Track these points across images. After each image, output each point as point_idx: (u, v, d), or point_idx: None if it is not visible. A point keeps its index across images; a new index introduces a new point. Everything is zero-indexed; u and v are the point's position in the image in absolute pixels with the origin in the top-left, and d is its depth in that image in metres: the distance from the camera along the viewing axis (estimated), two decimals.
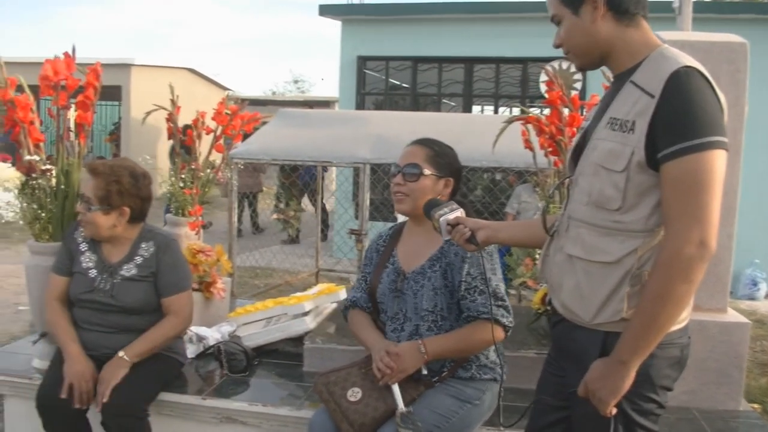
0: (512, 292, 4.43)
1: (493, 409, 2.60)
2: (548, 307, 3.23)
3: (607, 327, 1.86)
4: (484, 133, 4.06)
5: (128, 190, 2.90)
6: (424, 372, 2.44)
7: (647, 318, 1.74)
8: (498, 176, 9.00)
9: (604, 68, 2.05)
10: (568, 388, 1.99)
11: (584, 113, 3.22)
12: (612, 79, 2.00)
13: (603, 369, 1.82)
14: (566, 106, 3.21)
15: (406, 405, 2.38)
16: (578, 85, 9.15)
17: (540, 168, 3.71)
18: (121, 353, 2.78)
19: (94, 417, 2.78)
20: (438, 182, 2.59)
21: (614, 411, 1.82)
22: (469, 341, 2.47)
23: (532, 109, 3.91)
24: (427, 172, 2.56)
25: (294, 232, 10.06)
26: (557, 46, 2.00)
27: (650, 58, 1.85)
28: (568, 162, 2.11)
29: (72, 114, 3.38)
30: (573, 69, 9.34)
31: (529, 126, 3.53)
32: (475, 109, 13.66)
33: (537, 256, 3.53)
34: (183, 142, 4.28)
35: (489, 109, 14.50)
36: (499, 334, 2.47)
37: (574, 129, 3.20)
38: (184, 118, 4.32)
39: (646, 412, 1.87)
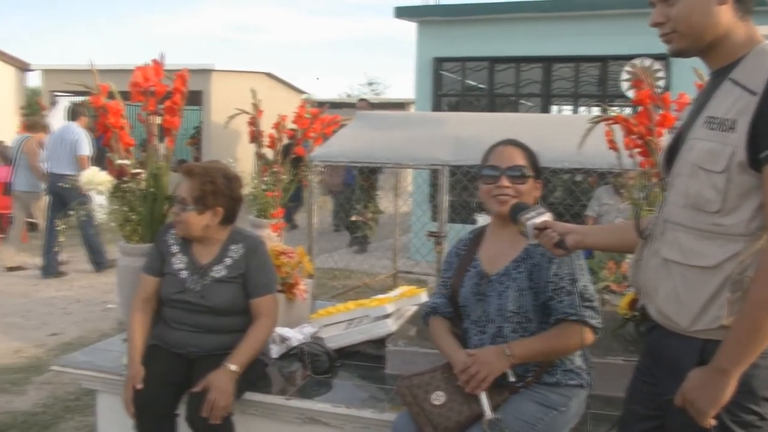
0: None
1: (579, 417, 2.54)
2: (636, 313, 3.16)
3: (706, 334, 1.79)
4: (564, 134, 3.99)
5: (222, 191, 2.97)
6: (512, 379, 2.40)
7: (750, 325, 1.68)
8: (579, 177, 8.83)
9: (695, 66, 1.97)
10: (661, 396, 1.93)
11: (675, 113, 3.12)
12: (707, 77, 1.93)
13: (702, 378, 1.75)
14: (656, 105, 3.12)
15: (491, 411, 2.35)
16: (661, 83, 8.90)
17: (625, 169, 3.62)
18: (233, 367, 2.80)
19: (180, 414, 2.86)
20: (534, 185, 2.58)
21: (713, 422, 1.76)
22: (556, 343, 2.42)
23: (612, 109, 3.82)
24: (528, 173, 2.55)
25: (372, 234, 10.06)
26: (656, 25, 1.89)
27: (751, 54, 1.78)
28: (661, 164, 2.04)
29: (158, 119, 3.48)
30: (656, 66, 9.11)
31: (614, 126, 3.45)
32: (554, 109, 13.44)
33: (623, 260, 3.44)
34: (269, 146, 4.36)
35: (568, 109, 14.26)
36: (588, 336, 2.41)
37: (662, 130, 3.10)
38: (264, 122, 4.39)
39: (746, 424, 1.79)
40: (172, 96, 3.35)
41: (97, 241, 8.42)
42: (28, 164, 8.53)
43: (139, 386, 2.82)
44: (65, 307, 7.06)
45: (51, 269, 8.31)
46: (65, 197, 7.66)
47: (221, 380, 2.75)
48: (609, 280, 3.85)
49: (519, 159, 2.55)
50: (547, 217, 2.22)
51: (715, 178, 1.75)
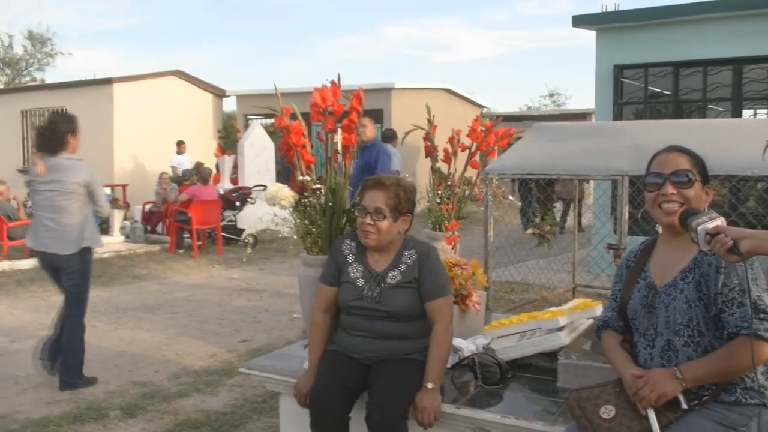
0: None
1: None
2: None
3: None
4: (756, 139, 3.77)
5: (410, 199, 3.16)
6: (684, 406, 2.29)
7: None
8: None
9: None
10: None
11: None
12: None
13: None
14: None
15: (661, 428, 2.26)
16: None
17: None
18: (430, 385, 2.94)
19: (357, 413, 2.99)
20: (702, 190, 2.46)
21: None
22: (730, 363, 2.27)
23: None
24: (696, 178, 2.43)
25: (550, 247, 9.91)
26: None
27: None
28: None
29: (338, 137, 3.66)
30: None
31: None
32: (747, 113, 12.58)
33: None
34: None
35: (762, 113, 13.29)
36: (766, 351, 2.25)
37: None
38: (442, 137, 4.48)
39: None
40: (349, 114, 3.52)
41: None
42: None
43: (303, 397, 3.07)
44: (255, 316, 7.53)
45: None
46: None
47: (426, 400, 2.91)
48: None
49: (683, 164, 2.44)
50: (719, 221, 2.11)
51: None
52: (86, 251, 5.29)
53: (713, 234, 2.08)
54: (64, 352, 5.23)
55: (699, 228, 2.11)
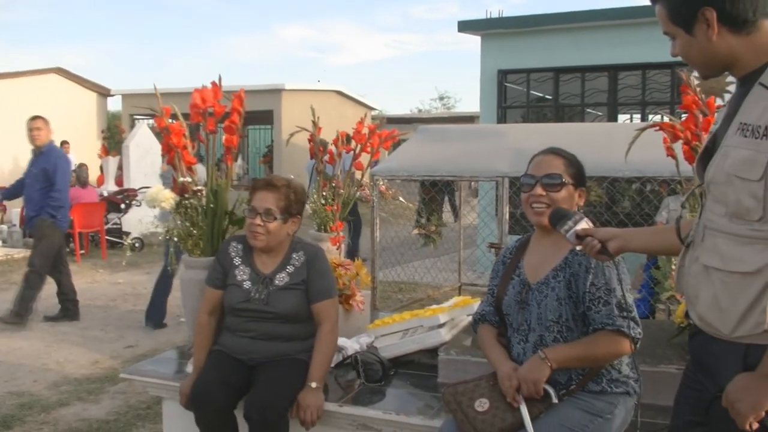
0: (661, 306, 4.28)
1: (626, 425, 2.53)
2: (690, 321, 3.12)
3: (749, 339, 1.77)
4: (625, 143, 3.98)
5: (300, 201, 3.17)
6: (555, 401, 2.41)
7: None
8: (648, 186, 8.68)
9: None
10: (706, 402, 1.92)
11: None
12: (737, 82, 1.92)
13: (746, 382, 1.74)
14: (702, 111, 3.09)
15: (533, 418, 2.37)
16: (732, 88, 8.67)
17: (685, 176, 3.58)
18: (314, 384, 2.96)
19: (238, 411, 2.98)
20: (574, 193, 2.58)
21: (755, 426, 1.74)
22: (593, 350, 2.41)
23: (684, 116, 3.77)
24: (567, 181, 2.55)
25: (435, 247, 10.09)
26: (675, 56, 1.93)
27: None
28: (696, 167, 2.03)
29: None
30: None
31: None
32: (622, 117, 13.23)
33: None
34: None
35: (637, 118, 14.02)
36: (626, 346, 2.40)
37: (705, 135, 3.07)
38: (331, 138, 4.50)
39: None
40: (231, 116, 3.49)
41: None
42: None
43: (185, 398, 3.03)
44: (141, 321, 7.32)
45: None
46: None
47: (309, 399, 2.93)
48: (674, 290, 3.80)
49: (556, 167, 2.56)
50: (585, 224, 2.21)
51: (753, 186, 1.71)
52: None
53: (582, 237, 2.19)
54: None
55: (568, 235, 2.21)
